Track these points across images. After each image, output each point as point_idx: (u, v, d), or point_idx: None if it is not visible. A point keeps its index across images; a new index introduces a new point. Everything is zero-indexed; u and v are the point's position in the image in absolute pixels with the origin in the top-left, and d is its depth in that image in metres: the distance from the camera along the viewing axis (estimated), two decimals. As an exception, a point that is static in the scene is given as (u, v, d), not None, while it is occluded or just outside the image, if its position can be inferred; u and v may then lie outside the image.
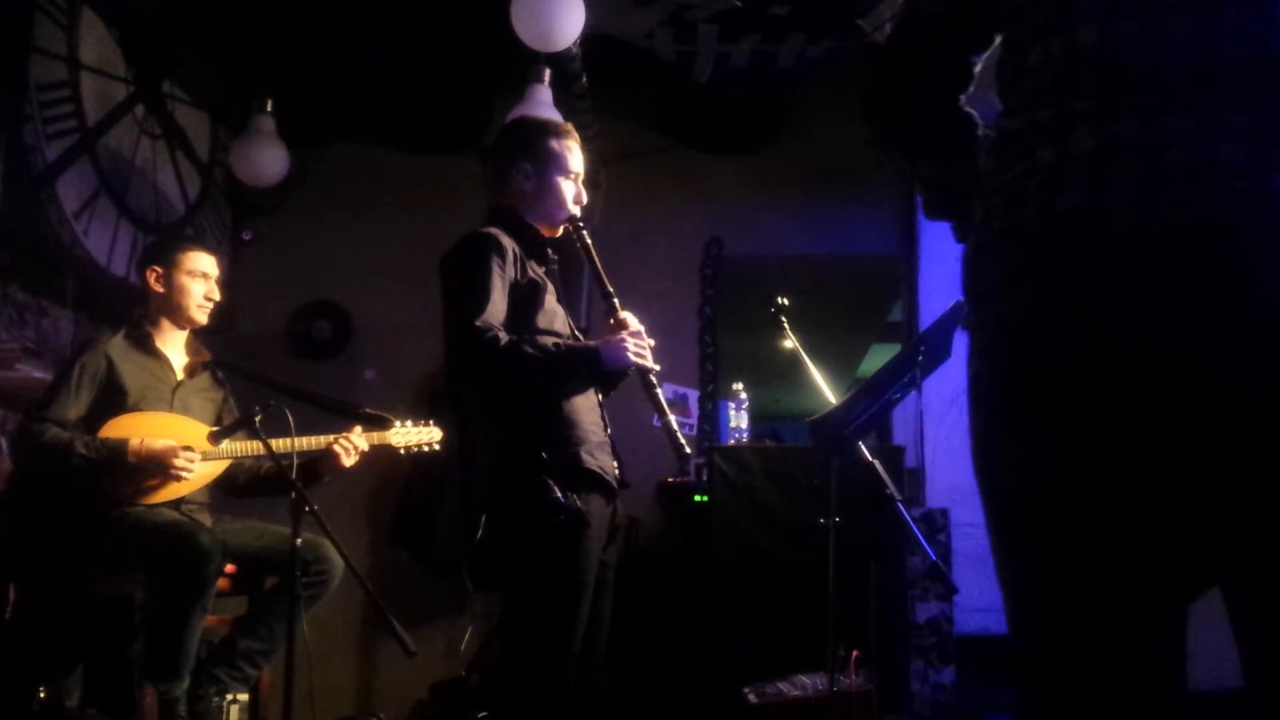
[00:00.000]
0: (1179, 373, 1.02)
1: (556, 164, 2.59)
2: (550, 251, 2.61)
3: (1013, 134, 1.17)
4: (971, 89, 1.36)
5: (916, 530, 2.77)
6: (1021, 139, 1.15)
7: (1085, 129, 1.08)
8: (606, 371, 2.47)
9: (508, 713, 2.33)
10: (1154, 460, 1.04)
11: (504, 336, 2.33)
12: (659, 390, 2.51)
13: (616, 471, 2.49)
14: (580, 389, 2.48)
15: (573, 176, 2.61)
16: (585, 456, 2.37)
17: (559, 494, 2.26)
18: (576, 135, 2.65)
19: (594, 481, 2.38)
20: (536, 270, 2.51)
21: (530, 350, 2.34)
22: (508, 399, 2.40)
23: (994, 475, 1.15)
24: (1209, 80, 1.05)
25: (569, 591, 2.31)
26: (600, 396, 2.55)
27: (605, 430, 2.51)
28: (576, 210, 2.61)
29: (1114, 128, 1.07)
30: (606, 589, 2.46)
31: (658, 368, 2.52)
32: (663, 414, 2.49)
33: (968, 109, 1.36)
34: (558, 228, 2.62)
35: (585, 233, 2.61)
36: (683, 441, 2.50)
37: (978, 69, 1.35)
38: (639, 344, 2.48)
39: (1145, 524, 1.05)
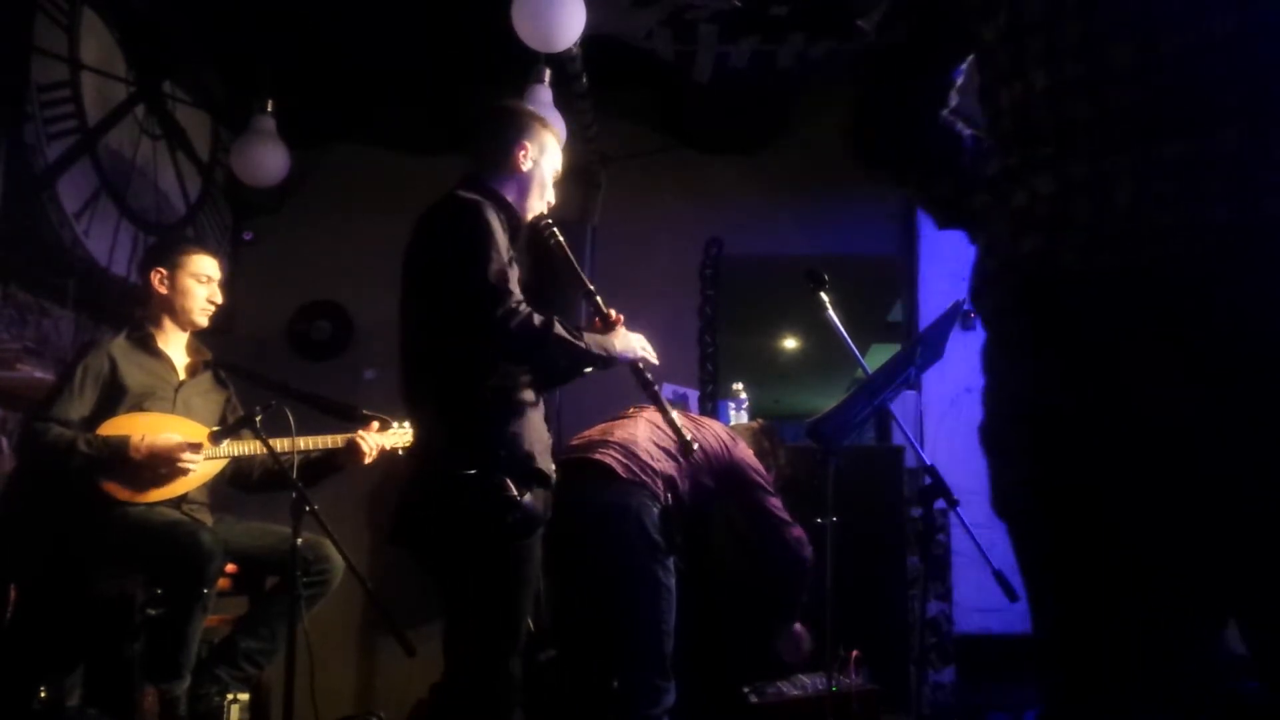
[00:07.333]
0: (1136, 410, 1.04)
1: (549, 157, 2.58)
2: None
3: (994, 177, 1.21)
4: (954, 102, 1.38)
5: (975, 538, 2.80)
6: (1000, 183, 1.19)
7: (1046, 174, 1.12)
8: (606, 367, 2.49)
9: (456, 706, 2.33)
10: (1124, 498, 1.07)
11: (536, 313, 2.30)
12: (658, 388, 2.57)
13: (554, 476, 2.48)
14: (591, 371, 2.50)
15: (555, 176, 2.61)
16: (537, 458, 2.37)
17: (515, 492, 2.25)
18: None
19: (540, 482, 2.38)
20: (511, 252, 2.44)
21: (563, 332, 2.32)
22: (469, 392, 2.35)
23: (993, 490, 1.21)
24: (1149, 113, 1.06)
25: (516, 588, 2.31)
26: (545, 395, 2.53)
27: (549, 432, 2.50)
28: (545, 209, 2.60)
29: (1068, 171, 1.10)
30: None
31: (657, 361, 2.58)
32: (663, 410, 2.57)
33: (948, 121, 1.38)
34: (527, 220, 2.58)
35: (556, 230, 2.59)
36: (688, 438, 2.60)
37: (958, 82, 1.37)
38: (641, 339, 2.54)
39: (1132, 549, 1.08)
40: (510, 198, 2.51)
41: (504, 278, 2.28)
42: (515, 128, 2.55)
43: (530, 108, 2.70)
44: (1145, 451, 1.04)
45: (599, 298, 2.58)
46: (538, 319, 2.28)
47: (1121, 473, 1.06)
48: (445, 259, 2.34)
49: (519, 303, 2.28)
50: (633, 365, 2.54)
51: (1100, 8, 1.10)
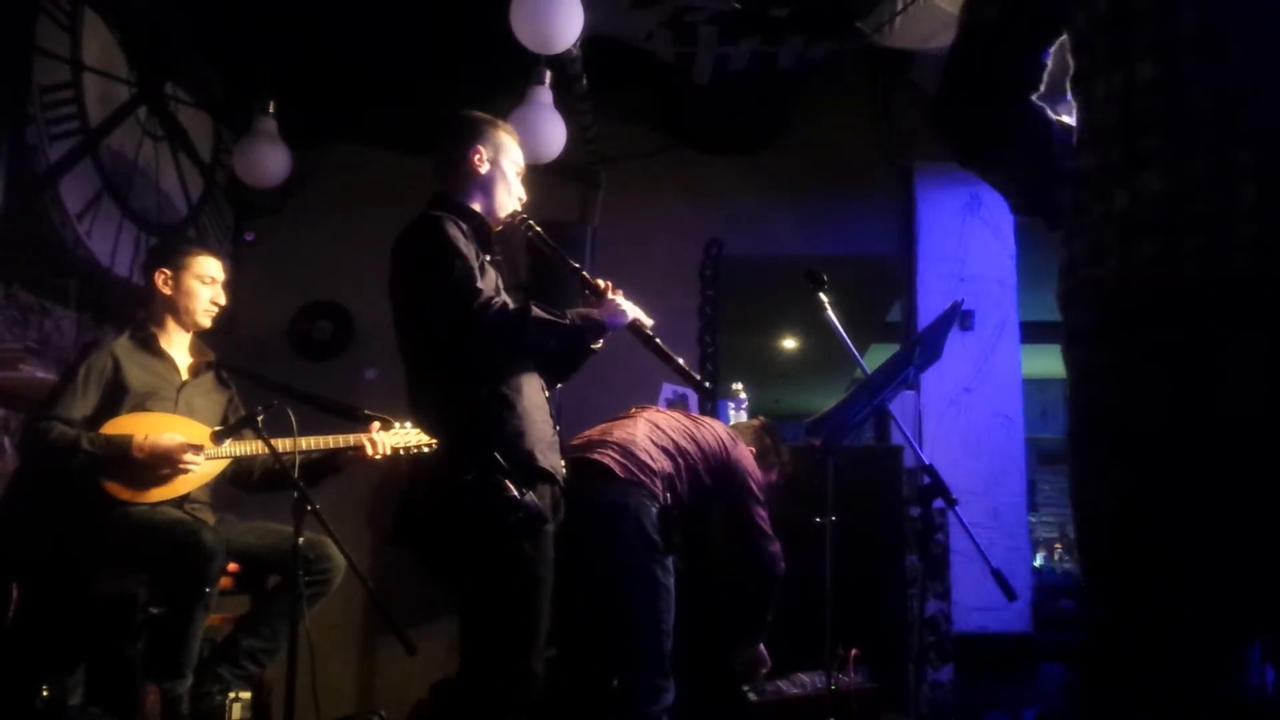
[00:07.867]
0: (1254, 415, 1.01)
1: (509, 154, 2.62)
2: (494, 246, 2.61)
3: (1089, 172, 1.16)
4: (1042, 87, 1.33)
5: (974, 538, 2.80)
6: (1096, 178, 1.14)
7: (1154, 171, 1.07)
8: (599, 336, 2.51)
9: (459, 705, 2.35)
10: (1211, 524, 1.05)
11: (511, 302, 2.36)
12: (658, 340, 2.59)
13: (563, 471, 2.51)
14: (588, 352, 2.54)
15: (519, 171, 2.65)
16: (539, 456, 2.39)
17: (515, 492, 2.27)
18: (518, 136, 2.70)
19: (545, 479, 2.40)
20: (483, 258, 2.50)
21: (541, 313, 2.37)
22: (467, 395, 2.39)
23: (1078, 505, 1.18)
24: (1273, 108, 1.03)
25: (528, 587, 2.33)
26: (548, 392, 2.55)
27: (555, 429, 2.52)
28: (518, 205, 2.64)
29: (1182, 168, 1.05)
30: None
31: (652, 321, 2.60)
32: (669, 359, 2.59)
33: (1037, 106, 1.33)
34: (500, 221, 2.62)
35: (531, 222, 2.64)
36: (698, 376, 2.64)
37: (1048, 66, 1.32)
38: (630, 303, 2.56)
39: (1205, 573, 1.08)
40: (477, 204, 2.56)
41: (469, 277, 2.34)
42: (466, 134, 2.59)
43: (478, 113, 2.70)
44: (1265, 455, 1.02)
45: (585, 272, 2.62)
46: (512, 305, 2.35)
47: (1243, 477, 1.03)
48: (414, 276, 2.42)
49: (490, 297, 2.33)
50: (629, 327, 2.57)
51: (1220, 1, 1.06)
